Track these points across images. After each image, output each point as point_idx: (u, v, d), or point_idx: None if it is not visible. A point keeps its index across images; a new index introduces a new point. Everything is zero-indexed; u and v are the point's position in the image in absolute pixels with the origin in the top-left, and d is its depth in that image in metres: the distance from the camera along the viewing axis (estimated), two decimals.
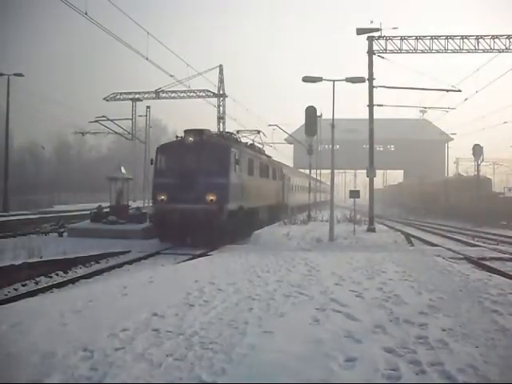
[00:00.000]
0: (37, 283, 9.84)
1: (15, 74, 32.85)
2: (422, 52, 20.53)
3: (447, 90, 21.09)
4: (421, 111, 55.48)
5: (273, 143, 37.27)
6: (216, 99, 37.40)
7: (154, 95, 38.41)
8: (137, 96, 39.67)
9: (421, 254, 12.95)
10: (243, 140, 21.13)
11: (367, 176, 20.48)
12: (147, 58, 21.38)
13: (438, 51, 20.53)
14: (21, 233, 19.29)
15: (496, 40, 20.31)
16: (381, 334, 4.99)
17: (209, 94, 36.80)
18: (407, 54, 20.65)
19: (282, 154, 50.01)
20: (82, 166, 65.45)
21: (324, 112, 29.22)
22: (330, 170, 18.96)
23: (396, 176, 75.62)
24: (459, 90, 21.04)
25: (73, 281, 10.04)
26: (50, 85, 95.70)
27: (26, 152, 63.01)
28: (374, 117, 20.16)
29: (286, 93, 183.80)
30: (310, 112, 18.56)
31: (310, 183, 29.57)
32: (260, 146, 23.34)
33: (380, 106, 22.29)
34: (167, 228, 14.97)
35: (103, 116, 35.32)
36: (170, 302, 6.34)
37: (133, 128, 41.59)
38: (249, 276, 8.66)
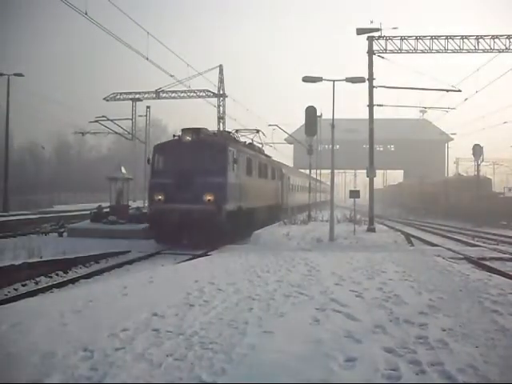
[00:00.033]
0: (37, 283, 9.84)
1: (15, 74, 32.88)
2: (422, 52, 20.53)
3: (447, 90, 21.09)
4: (421, 111, 55.57)
5: (273, 143, 37.36)
6: (216, 99, 37.47)
7: (154, 95, 38.45)
8: (137, 96, 39.69)
9: (421, 254, 12.95)
10: (242, 139, 21.00)
11: (367, 176, 20.48)
12: (147, 58, 21.40)
13: (438, 51, 20.52)
14: (21, 233, 19.29)
15: (496, 40, 20.31)
16: (381, 334, 4.99)
17: (209, 93, 36.83)
18: (407, 54, 20.66)
19: (282, 153, 50.10)
20: (82, 166, 65.47)
21: (324, 112, 29.23)
22: (329, 170, 18.95)
23: (396, 176, 75.72)
24: (459, 90, 21.04)
25: (73, 281, 10.03)
26: (49, 85, 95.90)
27: (26, 152, 63.02)
28: (374, 117, 20.16)
29: (286, 93, 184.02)
30: (310, 112, 18.56)
31: (310, 183, 29.57)
32: (259, 145, 23.21)
33: (380, 105, 22.32)
34: (164, 228, 14.68)
35: (103, 116, 35.33)
36: (170, 302, 6.34)
37: (133, 128, 41.60)
38: (249, 276, 8.66)
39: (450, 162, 61.39)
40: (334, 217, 17.54)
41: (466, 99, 23.55)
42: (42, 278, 10.19)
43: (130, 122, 41.33)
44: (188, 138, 15.31)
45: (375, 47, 20.01)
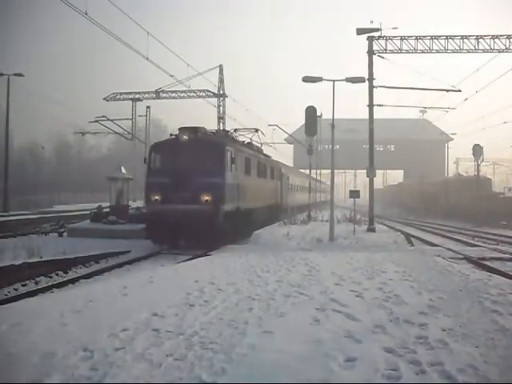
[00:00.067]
0: (37, 283, 9.84)
1: (15, 74, 32.90)
2: (422, 52, 20.53)
3: (447, 90, 21.09)
4: (421, 111, 55.49)
5: (273, 143, 37.34)
6: (216, 99, 37.46)
7: (154, 95, 38.44)
8: (137, 96, 39.68)
9: (421, 254, 12.95)
10: (241, 139, 20.71)
11: (367, 176, 20.48)
12: (147, 58, 21.39)
13: (438, 51, 20.52)
14: (21, 233, 19.30)
15: (496, 40, 20.30)
16: (381, 334, 5.00)
17: (209, 93, 36.82)
18: (407, 54, 20.66)
19: (282, 153, 49.98)
20: (82, 166, 65.47)
21: (324, 112, 29.18)
22: (330, 170, 18.94)
23: (396, 176, 75.69)
24: (459, 90, 21.04)
25: (73, 281, 10.04)
26: (50, 85, 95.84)
27: (26, 152, 63.03)
28: (374, 117, 20.16)
29: (286, 93, 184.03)
30: (310, 112, 18.55)
31: (310, 183, 29.56)
32: (258, 145, 22.99)
33: (380, 105, 22.29)
34: (160, 229, 14.30)
35: (103, 116, 35.30)
36: (170, 302, 6.34)
37: (133, 128, 41.58)
38: (249, 276, 8.66)
39: (450, 162, 61.49)
40: (333, 217, 17.53)
41: (466, 99, 23.58)
42: (42, 278, 10.19)
43: (130, 121, 41.31)
44: (185, 137, 15.03)
45: (375, 47, 20.02)
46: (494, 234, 21.37)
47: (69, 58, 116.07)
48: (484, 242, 18.39)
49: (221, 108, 37.50)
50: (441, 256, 12.74)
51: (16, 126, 56.74)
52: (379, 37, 19.98)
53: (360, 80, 17.33)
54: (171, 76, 26.99)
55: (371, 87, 19.81)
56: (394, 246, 15.65)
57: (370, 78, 19.63)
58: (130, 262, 12.32)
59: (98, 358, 4.23)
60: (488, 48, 20.37)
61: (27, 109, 67.88)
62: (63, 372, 3.91)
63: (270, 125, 34.45)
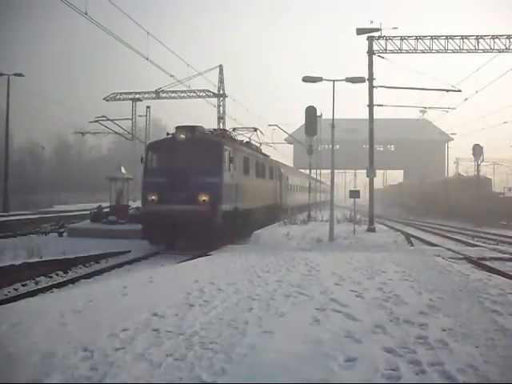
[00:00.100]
0: (37, 283, 9.85)
1: (15, 74, 32.89)
2: (422, 52, 20.53)
3: (447, 90, 21.09)
4: (421, 111, 55.52)
5: (273, 143, 37.33)
6: (216, 99, 37.49)
7: (154, 95, 38.46)
8: (137, 96, 39.70)
9: (421, 254, 12.95)
10: (239, 138, 20.47)
11: (367, 176, 20.48)
12: (147, 58, 21.40)
13: (438, 51, 20.52)
14: (21, 233, 19.31)
15: (496, 40, 20.30)
16: (381, 334, 5.00)
17: (209, 93, 36.84)
18: (407, 54, 20.66)
19: (282, 154, 49.98)
20: (82, 166, 65.45)
21: (324, 112, 29.18)
22: (329, 170, 18.93)
23: (396, 176, 75.68)
24: (459, 90, 21.04)
25: (73, 281, 10.04)
26: (50, 85, 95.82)
27: (26, 152, 63.01)
28: (374, 117, 20.16)
29: (286, 93, 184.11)
30: (310, 112, 18.55)
31: (310, 183, 29.55)
32: (257, 144, 22.82)
33: (380, 105, 22.29)
34: (157, 229, 14.06)
35: (103, 116, 35.29)
36: (170, 302, 6.34)
37: (133, 128, 41.60)
38: (249, 276, 8.66)
39: (450, 162, 61.48)
40: (333, 217, 17.52)
41: (466, 99, 23.58)
42: (42, 278, 10.20)
43: (130, 121, 41.34)
44: (182, 136, 14.75)
45: (375, 47, 20.01)
46: (494, 234, 21.38)
47: (69, 58, 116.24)
48: (484, 242, 18.39)
49: (221, 108, 37.54)
50: (441, 256, 12.74)
51: (16, 126, 56.81)
52: (379, 37, 19.98)
53: (360, 80, 17.34)
54: (171, 76, 27.04)
55: (371, 87, 19.80)
56: (393, 246, 15.65)
57: (370, 78, 19.63)
58: (130, 262, 12.33)
59: (97, 358, 4.23)
60: (488, 48, 20.37)
61: (27, 109, 67.97)
62: (63, 372, 3.91)
63: (269, 125, 34.48)
